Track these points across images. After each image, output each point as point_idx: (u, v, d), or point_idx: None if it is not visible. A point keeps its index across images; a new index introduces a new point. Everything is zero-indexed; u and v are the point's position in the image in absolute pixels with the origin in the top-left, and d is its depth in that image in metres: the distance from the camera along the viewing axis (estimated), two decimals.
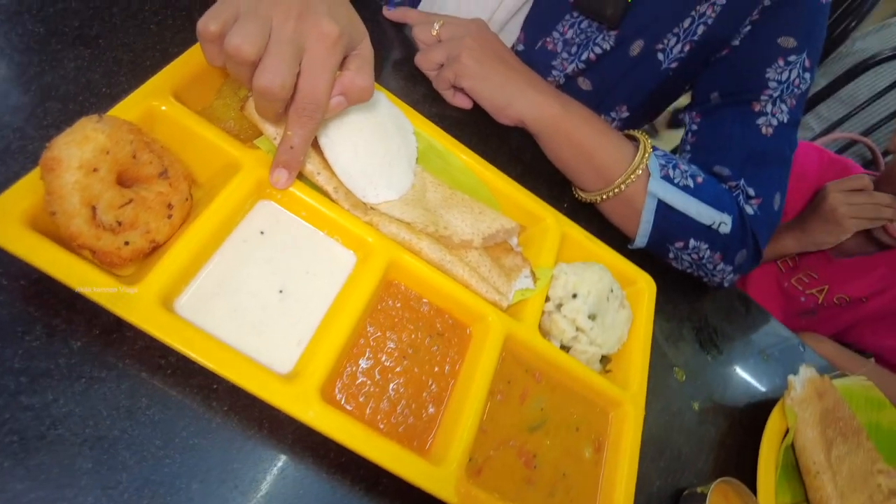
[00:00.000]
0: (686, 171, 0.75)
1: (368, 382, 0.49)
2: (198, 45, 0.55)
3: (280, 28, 0.45)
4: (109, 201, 0.42)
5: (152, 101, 0.50)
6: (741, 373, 0.82)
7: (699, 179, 0.75)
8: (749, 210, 0.78)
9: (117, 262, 0.44)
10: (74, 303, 0.44)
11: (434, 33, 0.76)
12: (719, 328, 0.84)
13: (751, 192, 0.78)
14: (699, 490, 0.62)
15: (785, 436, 0.73)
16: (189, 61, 0.54)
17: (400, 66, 0.78)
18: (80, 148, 0.41)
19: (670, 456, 0.67)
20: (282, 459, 0.46)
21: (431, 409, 0.51)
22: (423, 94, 0.76)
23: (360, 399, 0.48)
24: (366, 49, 0.52)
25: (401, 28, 0.82)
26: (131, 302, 0.41)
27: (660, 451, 0.66)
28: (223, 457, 0.44)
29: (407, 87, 0.76)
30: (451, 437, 0.48)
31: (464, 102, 0.77)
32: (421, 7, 0.89)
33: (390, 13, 0.81)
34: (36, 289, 0.44)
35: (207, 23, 0.45)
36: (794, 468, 0.74)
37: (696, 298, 0.85)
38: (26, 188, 0.41)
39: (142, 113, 0.49)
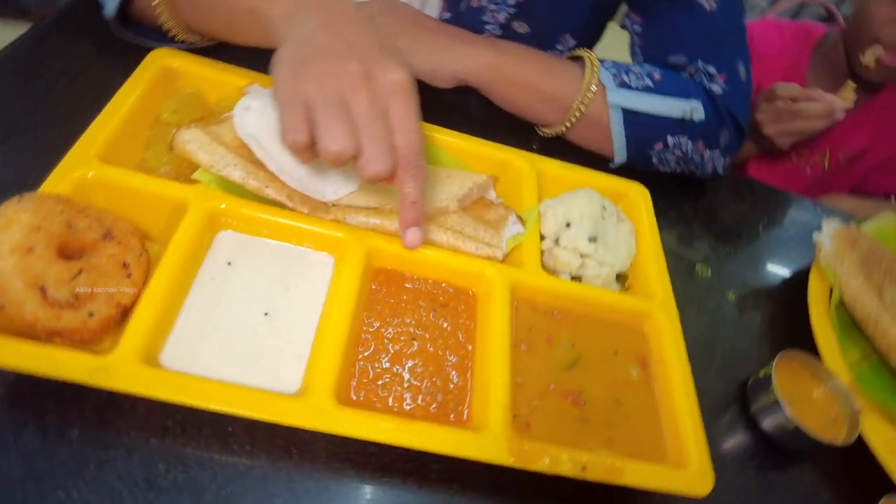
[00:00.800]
0: (641, 73, 0.72)
1: (383, 374, 0.46)
2: (111, 104, 0.53)
3: (358, 105, 0.44)
4: (57, 277, 0.40)
5: (77, 171, 0.48)
6: (767, 252, 0.79)
7: (656, 76, 0.72)
8: (716, 89, 0.74)
9: (90, 338, 0.42)
10: (61, 392, 0.42)
11: None
12: (730, 215, 0.81)
13: (712, 70, 0.74)
14: (762, 374, 0.58)
15: (831, 296, 0.69)
16: (107, 123, 0.52)
17: None
18: (5, 233, 0.39)
19: (722, 352, 0.63)
20: (321, 480, 0.43)
21: (458, 380, 0.48)
22: None
23: (381, 393, 0.45)
24: None
25: None
26: (112, 370, 0.39)
27: (709, 351, 0.63)
28: (261, 497, 0.42)
29: None
30: (487, 400, 0.46)
31: None
32: None
33: None
34: (16, 391, 0.41)
35: (293, 136, 0.44)
36: (851, 326, 0.70)
37: (696, 195, 0.82)
38: None
39: (72, 186, 0.47)
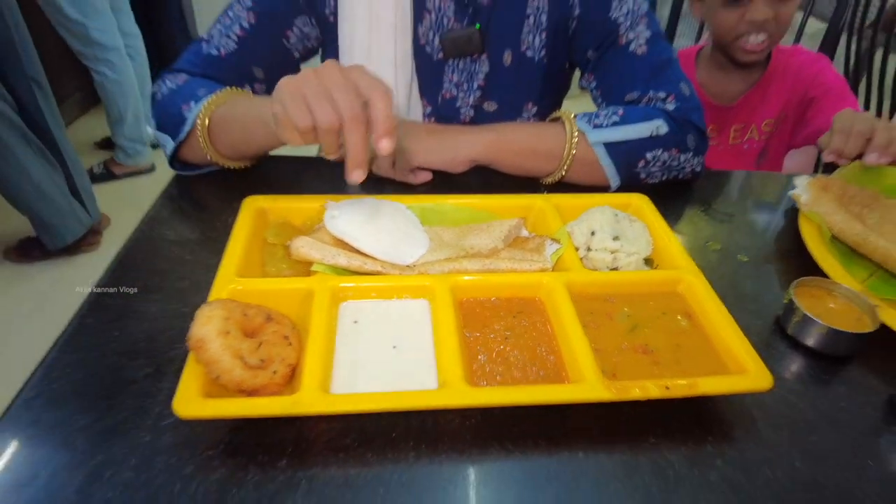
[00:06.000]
0: (608, 113, 0.91)
1: (495, 367, 0.59)
2: (231, 240, 0.70)
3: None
4: (248, 349, 0.55)
5: (229, 286, 0.64)
6: (760, 218, 0.93)
7: (620, 112, 0.91)
8: (670, 107, 0.93)
9: (276, 391, 0.56)
10: (262, 440, 0.55)
11: None
12: (720, 202, 0.96)
13: (661, 94, 0.93)
14: (786, 300, 0.70)
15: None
16: (234, 253, 0.68)
17: (368, 182, 0.95)
18: (209, 324, 0.54)
19: (750, 300, 0.75)
20: (472, 456, 0.55)
21: (553, 359, 0.61)
22: (394, 188, 0.93)
23: (498, 378, 0.58)
24: None
25: None
26: (305, 402, 0.53)
27: (739, 302, 0.73)
28: (434, 478, 0.53)
29: (378, 188, 0.93)
30: (578, 364, 0.58)
31: (424, 177, 0.94)
32: None
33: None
34: (232, 446, 0.54)
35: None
36: (851, 254, 0.83)
37: (686, 195, 0.97)
38: (190, 376, 0.54)
39: (227, 296, 0.63)
